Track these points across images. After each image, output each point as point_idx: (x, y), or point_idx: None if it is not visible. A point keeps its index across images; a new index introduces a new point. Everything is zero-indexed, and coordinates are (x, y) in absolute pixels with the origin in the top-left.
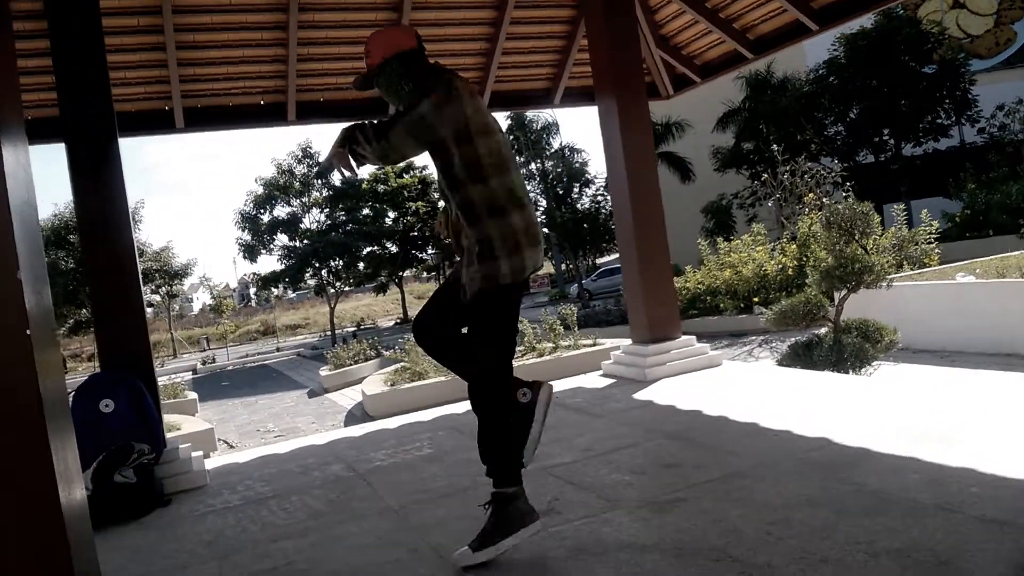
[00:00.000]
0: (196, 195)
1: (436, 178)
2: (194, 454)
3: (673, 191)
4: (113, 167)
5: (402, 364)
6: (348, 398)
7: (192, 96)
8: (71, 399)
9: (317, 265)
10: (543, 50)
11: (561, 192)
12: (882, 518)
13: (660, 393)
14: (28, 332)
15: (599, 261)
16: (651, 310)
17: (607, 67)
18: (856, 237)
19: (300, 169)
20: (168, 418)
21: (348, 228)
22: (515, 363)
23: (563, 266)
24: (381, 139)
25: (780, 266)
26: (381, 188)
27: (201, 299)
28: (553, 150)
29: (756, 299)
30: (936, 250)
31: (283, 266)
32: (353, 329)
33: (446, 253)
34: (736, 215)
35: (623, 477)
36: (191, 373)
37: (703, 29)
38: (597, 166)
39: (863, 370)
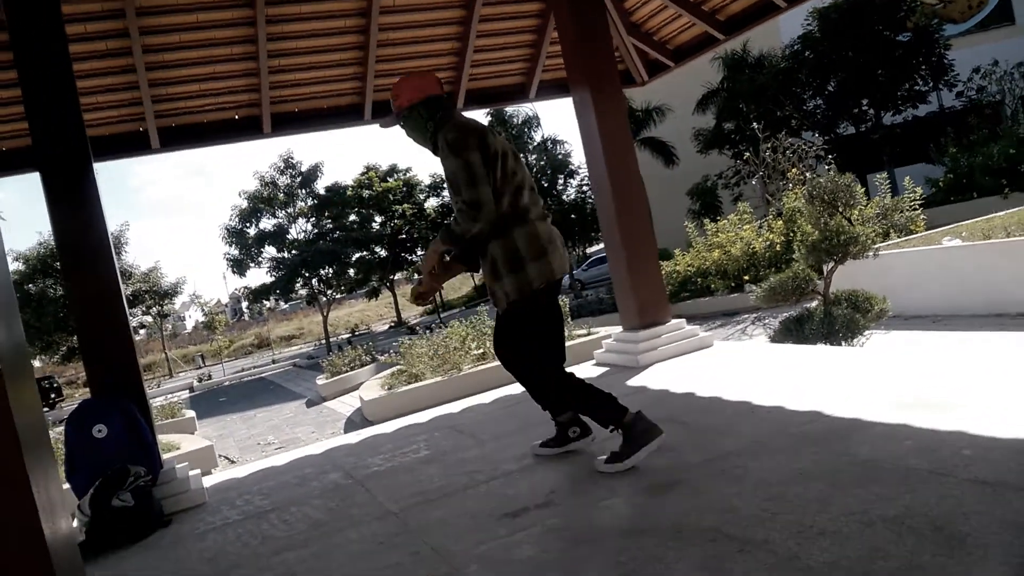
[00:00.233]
0: (185, 212)
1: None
2: (192, 472)
3: (658, 176)
4: (90, 192)
5: (398, 367)
6: (347, 405)
7: (166, 116)
8: (64, 426)
9: (307, 274)
10: (515, 45)
11: (546, 185)
12: (876, 487)
13: (653, 378)
14: None
15: (589, 251)
16: (639, 296)
17: (578, 58)
18: (840, 209)
19: (283, 180)
20: (167, 438)
21: (336, 235)
22: None
23: None
24: (469, 210)
25: (768, 243)
26: (366, 194)
27: (193, 317)
28: (535, 143)
29: (747, 277)
30: (922, 216)
31: (272, 278)
32: (348, 336)
33: None
34: (722, 195)
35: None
36: (188, 391)
37: (673, 14)
38: (580, 156)
39: (855, 341)
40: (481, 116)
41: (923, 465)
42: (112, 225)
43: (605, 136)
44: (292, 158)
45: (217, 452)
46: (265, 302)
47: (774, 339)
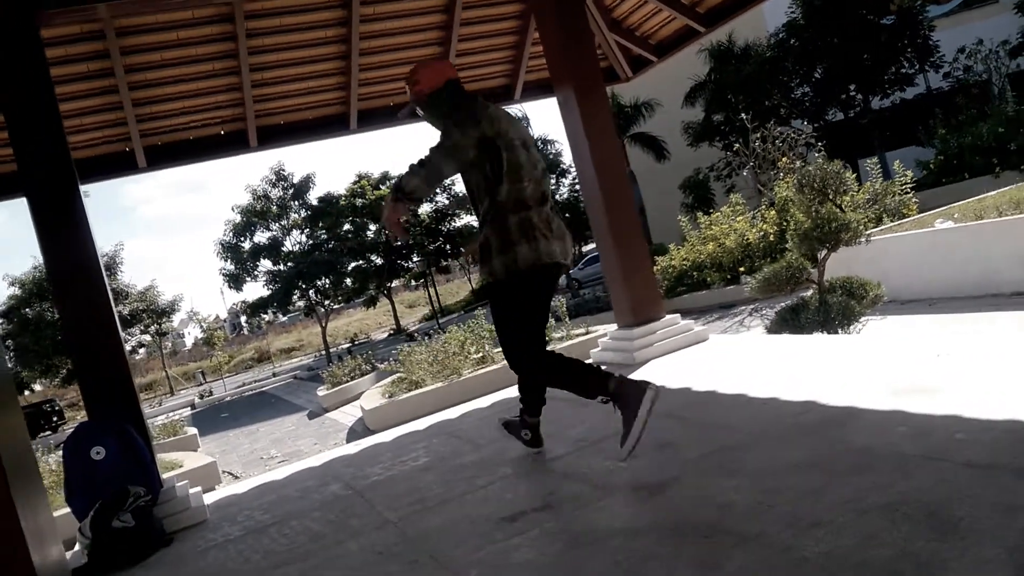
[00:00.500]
0: (180, 229)
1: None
2: (192, 490)
3: (650, 171)
4: (77, 215)
5: (398, 375)
6: (349, 415)
7: (151, 135)
8: (62, 451)
9: (304, 286)
10: (497, 47)
11: None
12: (870, 475)
13: (649, 375)
14: None
15: (584, 249)
16: (633, 294)
17: (560, 58)
18: (830, 196)
19: (275, 193)
20: (170, 456)
21: (331, 245)
22: None
23: None
24: (423, 166)
25: (762, 233)
26: (359, 202)
27: (192, 334)
28: None
29: (742, 268)
30: (914, 199)
31: (270, 291)
32: (348, 345)
33: (431, 260)
34: (714, 188)
35: (616, 464)
36: (190, 408)
37: (653, 8)
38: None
39: (851, 328)
40: None
41: (917, 451)
42: (106, 246)
43: (591, 135)
44: (283, 170)
45: (220, 468)
46: (263, 315)
47: (771, 330)
